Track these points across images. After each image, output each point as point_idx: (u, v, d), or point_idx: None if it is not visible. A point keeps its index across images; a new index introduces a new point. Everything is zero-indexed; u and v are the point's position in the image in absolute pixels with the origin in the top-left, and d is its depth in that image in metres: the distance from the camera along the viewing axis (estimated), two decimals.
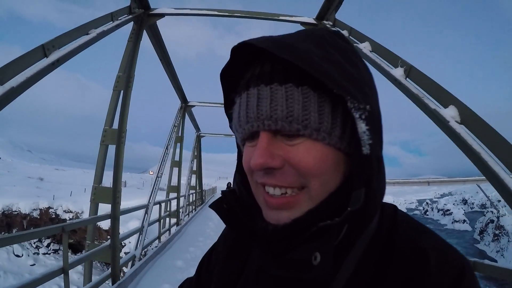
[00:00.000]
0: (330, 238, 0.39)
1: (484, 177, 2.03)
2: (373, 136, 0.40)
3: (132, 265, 5.53)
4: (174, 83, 7.91)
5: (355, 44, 3.33)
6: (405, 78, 2.73)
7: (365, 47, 3.22)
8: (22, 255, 19.60)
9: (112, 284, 4.29)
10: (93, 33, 3.03)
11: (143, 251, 6.04)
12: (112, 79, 4.41)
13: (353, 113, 0.39)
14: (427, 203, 37.09)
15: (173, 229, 9.25)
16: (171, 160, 9.88)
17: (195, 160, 14.54)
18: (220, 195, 0.51)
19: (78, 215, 20.34)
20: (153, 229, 7.81)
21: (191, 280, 0.69)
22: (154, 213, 6.92)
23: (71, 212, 20.81)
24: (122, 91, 4.30)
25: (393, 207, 0.49)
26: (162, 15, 4.51)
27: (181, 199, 10.82)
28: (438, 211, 33.00)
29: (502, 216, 19.39)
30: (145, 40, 4.70)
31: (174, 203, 9.84)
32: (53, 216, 20.80)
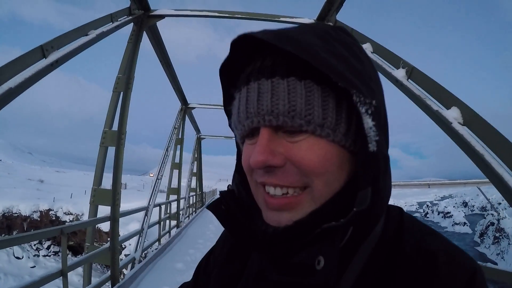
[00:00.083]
0: (335, 241, 0.37)
1: (485, 180, 2.02)
2: (379, 132, 0.38)
3: (132, 267, 5.50)
4: (174, 85, 7.90)
5: None
6: (407, 79, 2.72)
7: (366, 48, 3.21)
8: (23, 257, 19.64)
9: (112, 286, 4.28)
10: (93, 34, 3.01)
11: (143, 253, 6.02)
12: (113, 80, 4.41)
13: (358, 107, 0.37)
14: (427, 205, 37.13)
15: (173, 231, 9.22)
16: (171, 162, 9.83)
17: (195, 162, 14.52)
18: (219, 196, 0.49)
19: (79, 217, 20.37)
20: (153, 231, 7.81)
21: (188, 285, 0.67)
22: (154, 215, 6.91)
23: (71, 214, 20.88)
24: (122, 93, 4.28)
25: (398, 209, 0.47)
26: (162, 17, 4.49)
27: (181, 201, 10.81)
28: (438, 214, 33.04)
29: (502, 219, 19.41)
30: (145, 42, 4.66)
31: (174, 205, 9.82)
32: (54, 218, 20.87)
